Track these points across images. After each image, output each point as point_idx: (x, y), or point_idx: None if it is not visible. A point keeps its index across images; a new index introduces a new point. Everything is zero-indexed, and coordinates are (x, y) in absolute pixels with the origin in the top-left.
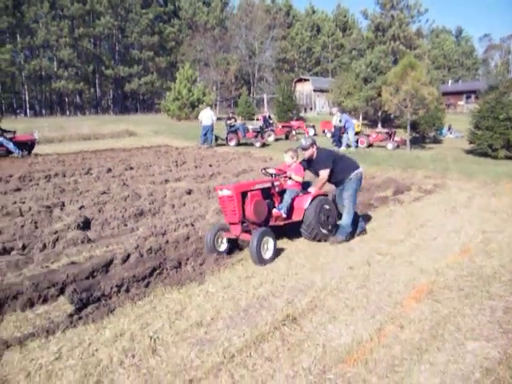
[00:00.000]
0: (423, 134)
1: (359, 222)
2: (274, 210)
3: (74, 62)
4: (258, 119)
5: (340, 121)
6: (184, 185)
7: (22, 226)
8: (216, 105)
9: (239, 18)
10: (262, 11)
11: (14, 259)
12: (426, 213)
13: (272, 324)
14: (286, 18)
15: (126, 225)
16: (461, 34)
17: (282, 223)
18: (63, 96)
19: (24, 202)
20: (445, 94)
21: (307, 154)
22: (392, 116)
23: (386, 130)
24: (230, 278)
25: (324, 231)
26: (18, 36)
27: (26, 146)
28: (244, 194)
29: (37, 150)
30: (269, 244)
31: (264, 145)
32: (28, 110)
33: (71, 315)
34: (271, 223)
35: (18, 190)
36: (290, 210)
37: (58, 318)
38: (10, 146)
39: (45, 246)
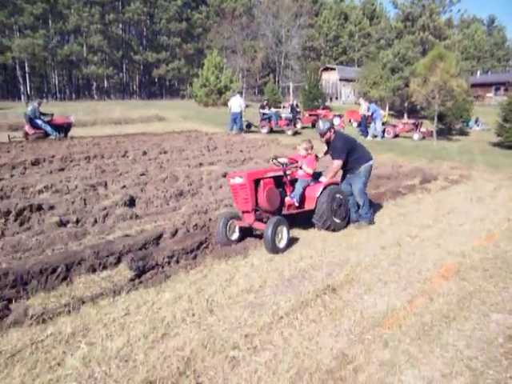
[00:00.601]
0: (450, 125)
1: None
2: (287, 199)
3: (103, 47)
4: (284, 107)
5: (368, 109)
6: (218, 168)
7: (73, 203)
8: (242, 92)
9: (266, 5)
10: None
11: (73, 231)
12: (452, 201)
13: (314, 292)
14: (313, 6)
15: (168, 204)
16: (493, 23)
17: (294, 212)
18: (91, 81)
19: (69, 181)
20: (473, 85)
21: (325, 138)
22: (419, 107)
23: (412, 121)
24: None
25: (337, 220)
26: (50, 22)
27: (63, 129)
28: (256, 182)
29: (71, 132)
30: (283, 233)
31: (296, 133)
32: (58, 94)
33: (132, 280)
34: (284, 212)
35: (62, 169)
36: (303, 199)
37: (120, 281)
38: (48, 128)
39: (96, 221)
